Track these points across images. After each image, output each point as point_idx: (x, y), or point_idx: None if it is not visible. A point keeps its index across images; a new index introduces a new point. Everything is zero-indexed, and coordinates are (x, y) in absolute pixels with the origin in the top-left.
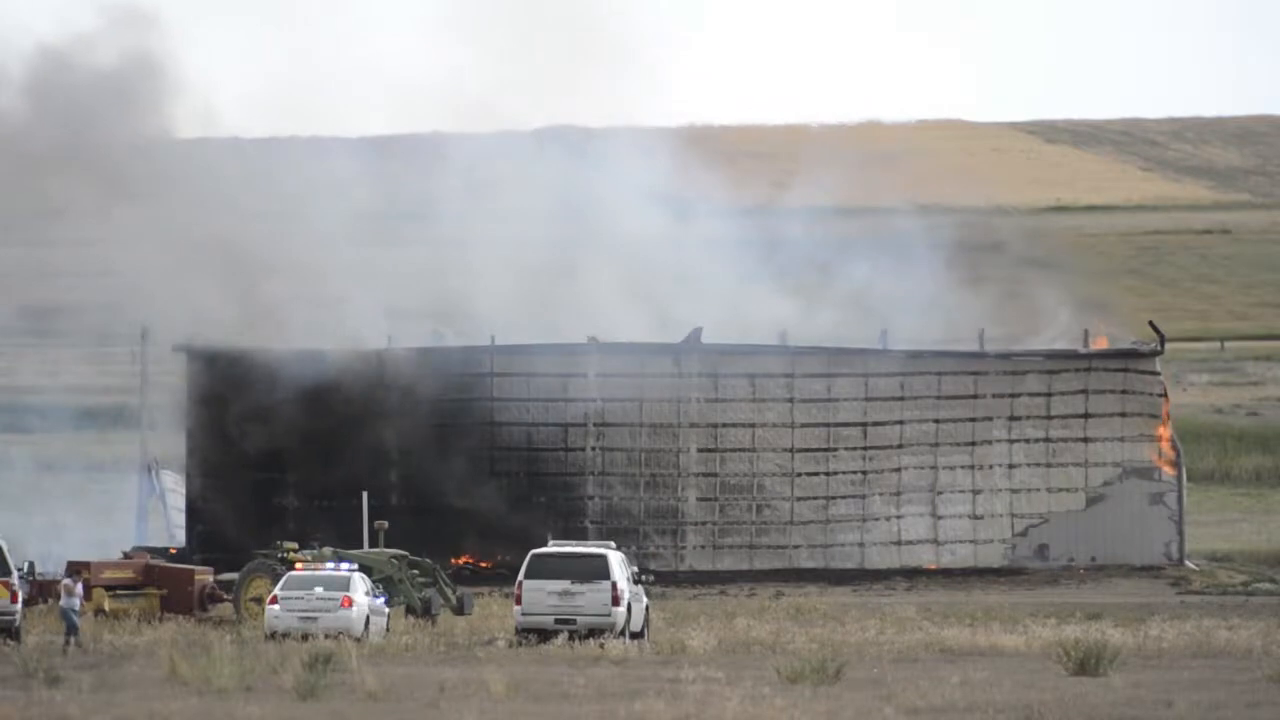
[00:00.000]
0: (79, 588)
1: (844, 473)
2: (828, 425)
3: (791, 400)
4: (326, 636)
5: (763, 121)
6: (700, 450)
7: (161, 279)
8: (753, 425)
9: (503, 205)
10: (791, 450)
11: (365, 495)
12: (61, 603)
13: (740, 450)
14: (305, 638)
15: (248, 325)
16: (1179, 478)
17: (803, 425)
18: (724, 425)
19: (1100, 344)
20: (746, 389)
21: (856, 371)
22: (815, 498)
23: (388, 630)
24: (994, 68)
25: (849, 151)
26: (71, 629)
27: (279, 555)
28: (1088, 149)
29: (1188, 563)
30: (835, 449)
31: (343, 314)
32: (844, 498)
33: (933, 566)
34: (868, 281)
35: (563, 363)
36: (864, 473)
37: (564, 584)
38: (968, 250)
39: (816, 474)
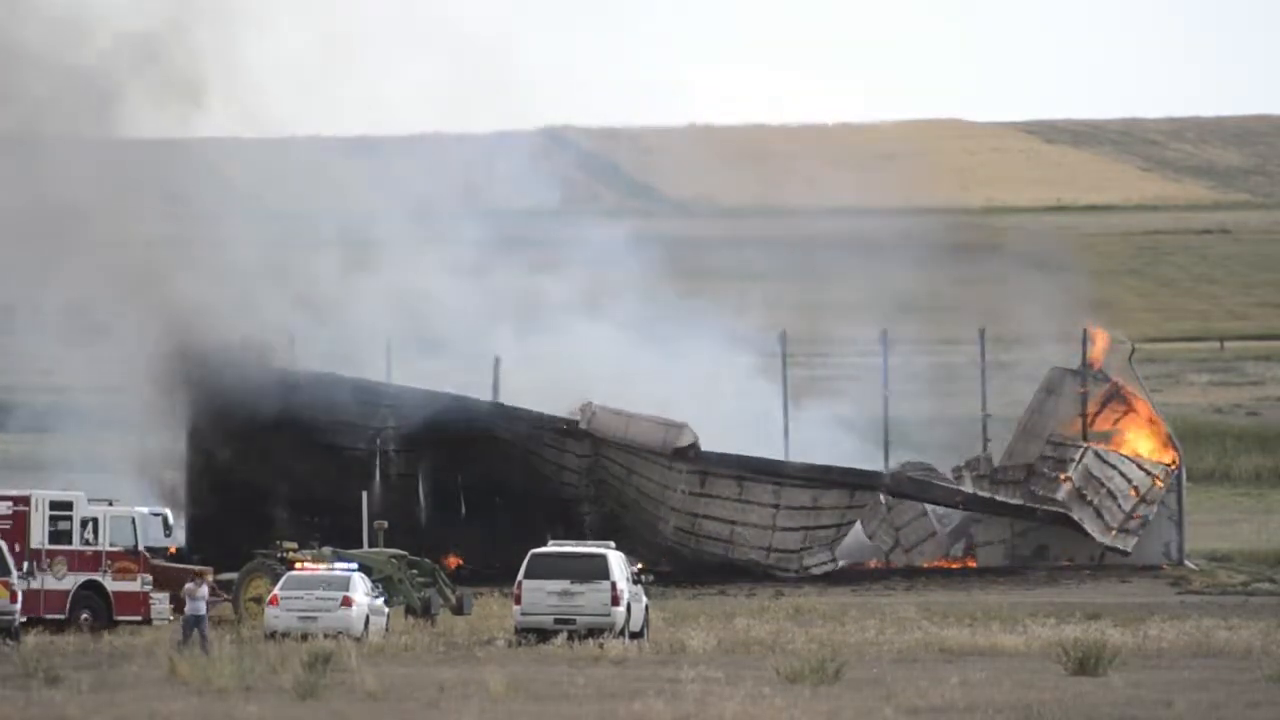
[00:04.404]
0: (203, 590)
1: (819, 565)
2: (807, 529)
3: (777, 507)
4: (326, 636)
5: (763, 121)
6: (677, 528)
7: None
8: (733, 523)
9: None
10: (769, 549)
11: (365, 495)
12: (186, 609)
13: (717, 539)
14: (305, 638)
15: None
16: (1179, 478)
17: (783, 529)
18: (704, 517)
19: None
20: (733, 489)
21: (846, 482)
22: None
23: (387, 630)
24: (994, 68)
25: (849, 151)
26: (188, 635)
27: (279, 555)
28: (1087, 149)
29: (1188, 563)
30: (810, 547)
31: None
32: (821, 564)
33: (927, 564)
34: (867, 282)
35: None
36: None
37: (563, 584)
38: (967, 250)
39: (791, 553)
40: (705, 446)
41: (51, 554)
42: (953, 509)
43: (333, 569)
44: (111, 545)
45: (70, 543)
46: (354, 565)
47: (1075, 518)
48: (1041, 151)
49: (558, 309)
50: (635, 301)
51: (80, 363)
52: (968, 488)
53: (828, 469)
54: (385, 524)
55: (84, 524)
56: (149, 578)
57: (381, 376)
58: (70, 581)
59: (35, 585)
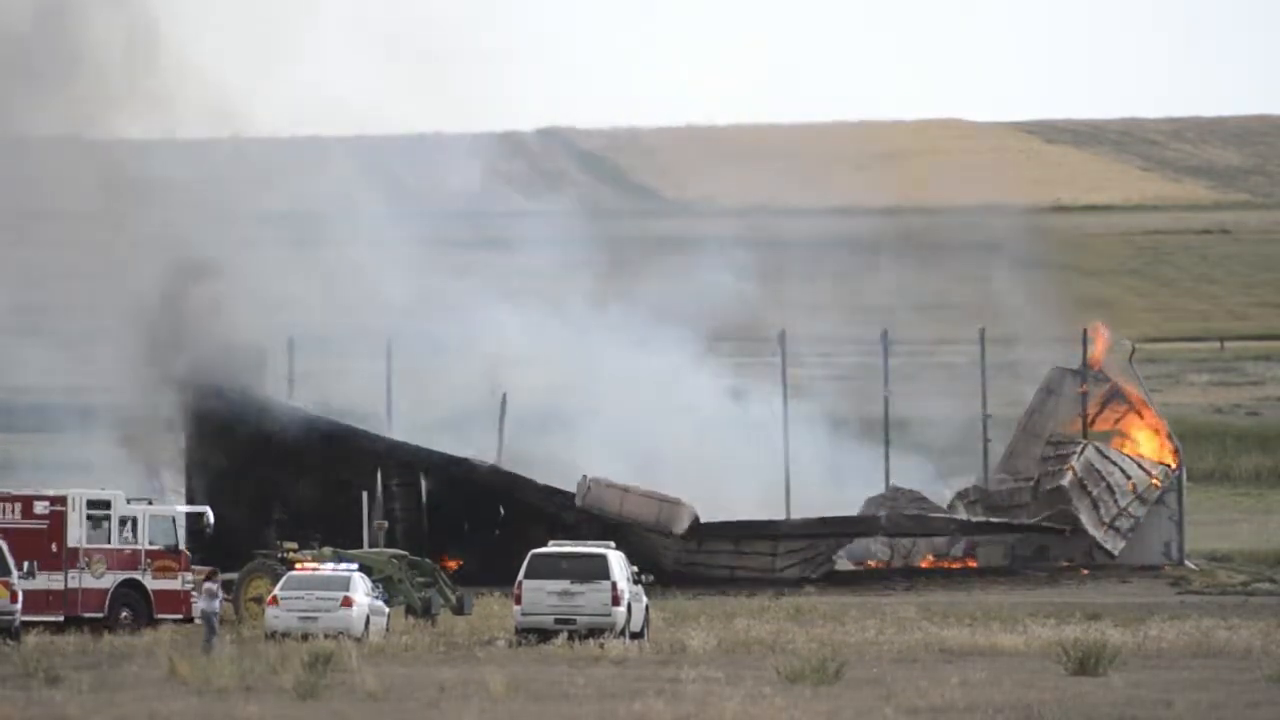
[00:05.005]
0: (219, 588)
1: (817, 569)
2: (804, 560)
3: (774, 554)
4: (326, 636)
5: (763, 121)
6: (675, 570)
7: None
8: (732, 567)
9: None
10: (769, 580)
11: (365, 495)
12: (201, 605)
13: (717, 575)
14: (305, 638)
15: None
16: (1179, 478)
17: (782, 568)
18: (703, 565)
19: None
20: (730, 544)
21: (845, 531)
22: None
23: (388, 630)
24: (994, 68)
25: (849, 151)
26: (211, 632)
27: (279, 555)
28: (1088, 149)
29: (1188, 563)
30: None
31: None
32: (819, 567)
33: (927, 563)
34: (867, 282)
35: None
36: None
37: (564, 584)
38: (968, 250)
39: (789, 580)
40: (699, 450)
41: (89, 553)
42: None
43: (335, 569)
44: (151, 544)
45: (109, 541)
46: (354, 565)
47: (1073, 507)
48: (1041, 151)
49: (558, 309)
50: (634, 303)
51: (72, 364)
52: (961, 516)
53: (824, 521)
54: (385, 524)
55: (123, 523)
56: (190, 576)
57: (381, 376)
58: (109, 580)
59: (73, 584)
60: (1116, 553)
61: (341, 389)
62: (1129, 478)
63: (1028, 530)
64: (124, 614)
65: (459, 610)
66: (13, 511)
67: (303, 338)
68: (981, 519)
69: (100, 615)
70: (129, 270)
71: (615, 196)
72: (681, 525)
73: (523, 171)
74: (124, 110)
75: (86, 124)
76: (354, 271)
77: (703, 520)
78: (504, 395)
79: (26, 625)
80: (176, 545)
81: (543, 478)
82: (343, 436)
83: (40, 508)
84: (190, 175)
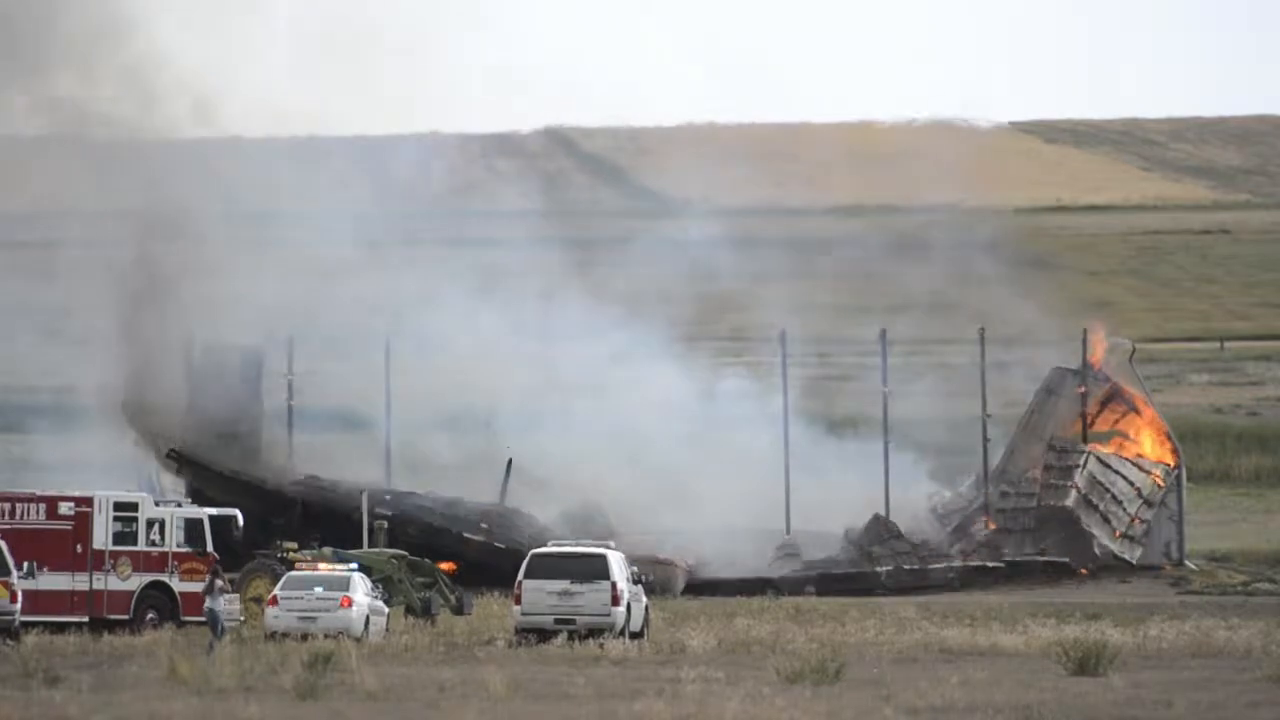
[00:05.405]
0: (228, 585)
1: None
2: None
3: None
4: (326, 636)
5: (763, 121)
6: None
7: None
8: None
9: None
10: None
11: (365, 494)
12: (207, 603)
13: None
14: (305, 638)
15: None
16: (1179, 478)
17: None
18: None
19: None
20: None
21: (845, 589)
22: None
23: (387, 630)
24: (994, 68)
25: (849, 151)
26: (217, 631)
27: (279, 555)
28: (1088, 149)
29: (1188, 563)
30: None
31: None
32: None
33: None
34: (867, 282)
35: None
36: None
37: (564, 584)
38: (967, 250)
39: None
40: (695, 450)
41: (115, 555)
42: (949, 585)
43: (335, 569)
44: (179, 546)
45: (135, 544)
46: (354, 565)
47: (1083, 524)
48: (1041, 151)
49: (552, 309)
50: (631, 302)
51: (70, 364)
52: (958, 563)
53: (822, 578)
54: (385, 524)
55: (150, 525)
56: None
57: (380, 377)
58: (135, 582)
59: (99, 585)
60: (1135, 560)
61: (340, 389)
62: (1132, 484)
63: (1029, 565)
64: (150, 616)
65: (459, 610)
66: (37, 512)
67: (303, 338)
68: (979, 563)
69: (126, 618)
70: (124, 268)
71: (615, 196)
72: (677, 588)
73: (523, 171)
74: (119, 109)
75: (76, 122)
76: (352, 271)
77: (704, 511)
78: (510, 460)
79: (42, 626)
80: (204, 548)
81: (538, 491)
82: (336, 506)
83: (65, 508)
84: (188, 174)
